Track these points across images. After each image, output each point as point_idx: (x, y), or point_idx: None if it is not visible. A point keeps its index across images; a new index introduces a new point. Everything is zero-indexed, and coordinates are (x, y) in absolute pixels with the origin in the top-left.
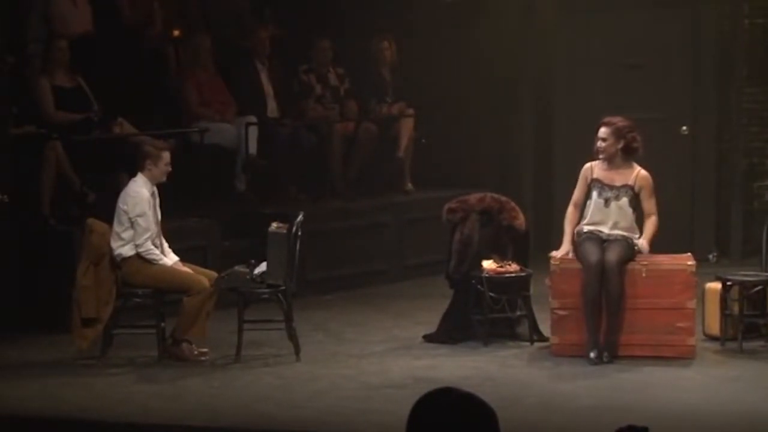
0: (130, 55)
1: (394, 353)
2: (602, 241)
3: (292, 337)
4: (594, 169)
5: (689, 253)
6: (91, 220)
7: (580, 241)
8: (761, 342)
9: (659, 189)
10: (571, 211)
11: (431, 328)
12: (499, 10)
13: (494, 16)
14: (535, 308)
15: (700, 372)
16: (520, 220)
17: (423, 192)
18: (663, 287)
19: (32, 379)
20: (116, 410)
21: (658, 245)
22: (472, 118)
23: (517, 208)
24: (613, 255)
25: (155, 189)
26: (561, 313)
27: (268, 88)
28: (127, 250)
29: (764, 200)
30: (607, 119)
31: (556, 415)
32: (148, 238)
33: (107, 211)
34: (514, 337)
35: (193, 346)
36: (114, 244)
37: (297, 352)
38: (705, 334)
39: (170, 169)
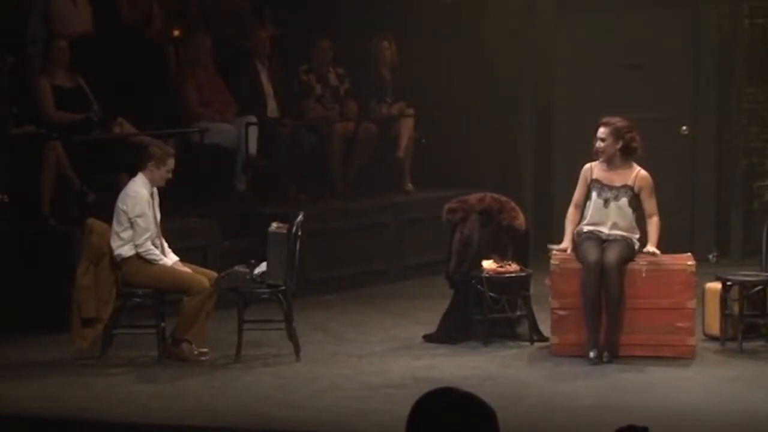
0: (130, 56)
1: (394, 353)
2: (602, 241)
3: (292, 337)
4: (593, 169)
5: (689, 253)
6: (91, 220)
7: (579, 241)
8: (761, 342)
9: (659, 189)
10: (571, 212)
11: (431, 328)
12: (499, 10)
13: (494, 16)
14: (535, 308)
15: (700, 372)
16: (520, 220)
17: (423, 192)
18: (663, 287)
19: (32, 379)
20: (116, 410)
21: (658, 245)
22: (472, 118)
23: (517, 208)
24: (612, 255)
25: (155, 189)
26: (561, 313)
27: (268, 88)
28: (127, 250)
29: (764, 200)
30: (605, 119)
31: (556, 415)
32: (148, 238)
33: (107, 211)
34: (514, 337)
35: (193, 346)
36: (113, 244)
37: (297, 352)
38: (705, 334)
39: (171, 176)
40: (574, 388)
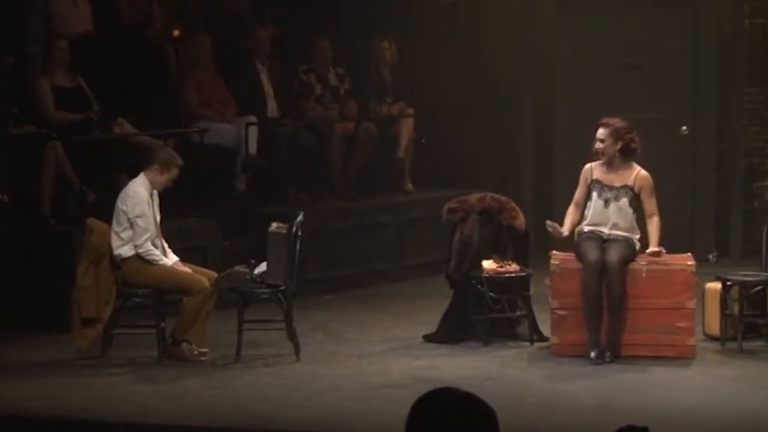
0: (130, 56)
1: (394, 353)
2: (602, 241)
3: (292, 337)
4: (594, 170)
5: (689, 253)
6: (91, 220)
7: (580, 241)
8: (761, 342)
9: (659, 189)
10: (571, 209)
11: (431, 328)
12: (499, 10)
13: (494, 16)
14: (535, 308)
15: (700, 372)
16: (520, 220)
17: (423, 192)
18: (663, 287)
19: (32, 379)
20: (116, 410)
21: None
22: (472, 118)
23: (517, 208)
24: (614, 255)
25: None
26: (561, 313)
27: (268, 88)
28: (127, 250)
29: (764, 200)
30: (604, 120)
31: (556, 415)
32: (148, 238)
33: (107, 211)
34: (514, 337)
35: (193, 346)
36: (113, 244)
37: (297, 352)
38: (705, 334)
39: (171, 185)
40: (574, 388)
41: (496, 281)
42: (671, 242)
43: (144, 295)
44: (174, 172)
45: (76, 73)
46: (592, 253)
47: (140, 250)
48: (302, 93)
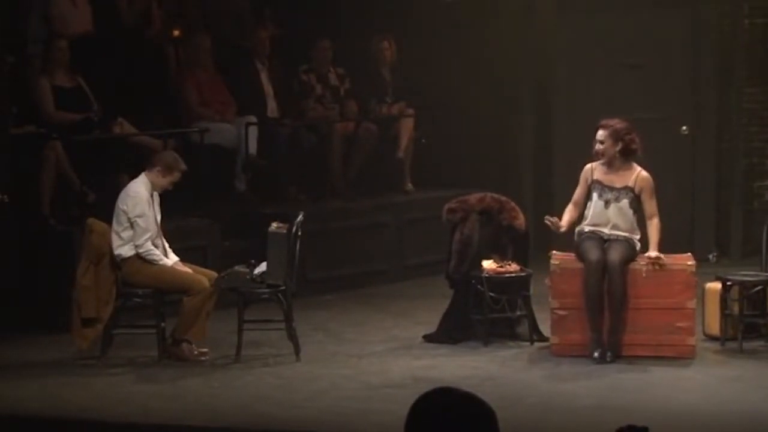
0: (130, 55)
1: (394, 353)
2: (603, 241)
3: (292, 337)
4: (594, 170)
5: (689, 253)
6: (91, 220)
7: (580, 240)
8: (761, 342)
9: (659, 189)
10: (570, 208)
11: (431, 328)
12: (499, 10)
13: (494, 16)
14: (535, 308)
15: (700, 372)
16: (520, 220)
17: (423, 192)
18: (663, 287)
19: (32, 379)
20: (116, 410)
21: (659, 247)
22: (472, 118)
23: (517, 208)
24: (615, 255)
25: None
26: (561, 313)
27: (268, 88)
28: (127, 250)
29: (764, 200)
30: (604, 122)
31: (556, 415)
32: (148, 238)
33: (107, 211)
34: (514, 337)
35: (193, 346)
36: (114, 243)
37: (297, 352)
38: (705, 334)
39: (171, 188)
40: (574, 388)
41: (496, 281)
42: (671, 242)
43: (144, 295)
44: (176, 176)
45: (76, 73)
46: (593, 253)
47: (140, 250)
48: (302, 93)
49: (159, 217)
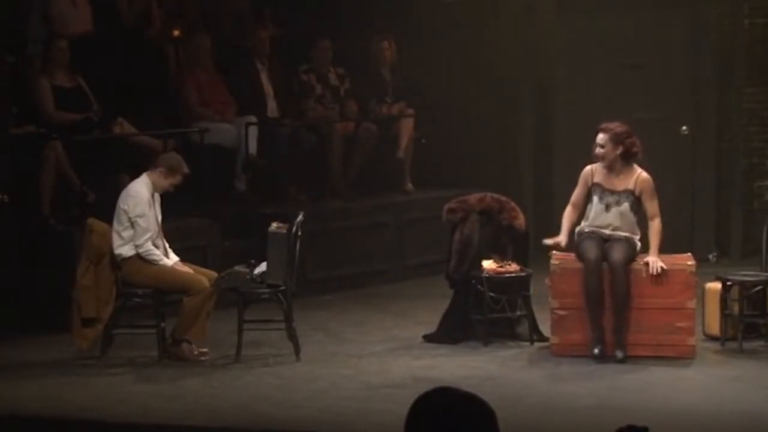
0: (130, 56)
1: (394, 353)
2: (603, 240)
3: (292, 337)
4: (594, 173)
5: (689, 253)
6: (91, 220)
7: (580, 240)
8: (761, 342)
9: (659, 189)
10: (569, 210)
11: (431, 328)
12: (499, 10)
13: (494, 16)
14: (535, 308)
15: (700, 372)
16: (520, 220)
17: (423, 192)
18: (663, 287)
19: (32, 379)
20: (116, 410)
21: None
22: (472, 118)
23: (517, 208)
24: (617, 254)
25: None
26: (561, 313)
27: (268, 88)
28: (127, 250)
29: (764, 200)
30: (604, 125)
31: (556, 415)
32: (149, 238)
33: (107, 211)
34: (514, 337)
35: (193, 346)
36: (114, 243)
37: (297, 352)
38: (705, 334)
39: (172, 189)
40: (574, 388)
41: (496, 281)
42: (671, 242)
43: (144, 295)
44: (178, 179)
45: (76, 73)
46: (592, 252)
47: (140, 250)
48: (302, 93)
49: (160, 218)
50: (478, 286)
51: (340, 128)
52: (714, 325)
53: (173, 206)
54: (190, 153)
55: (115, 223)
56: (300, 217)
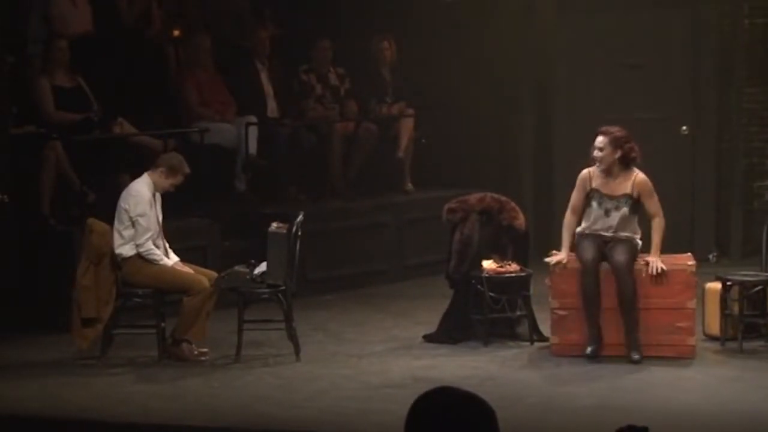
0: (130, 56)
1: (394, 353)
2: (603, 241)
3: (292, 337)
4: (592, 177)
5: (689, 253)
6: (91, 220)
7: (579, 240)
8: (761, 342)
9: (659, 189)
10: (569, 218)
11: (431, 328)
12: (499, 10)
13: (494, 16)
14: (535, 308)
15: (700, 372)
16: (520, 220)
17: (423, 192)
18: (663, 287)
19: (32, 379)
20: (116, 410)
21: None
22: (472, 118)
23: (517, 208)
24: (620, 256)
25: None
26: (561, 313)
27: (268, 88)
28: (128, 250)
29: (764, 200)
30: (603, 128)
31: (556, 415)
32: (149, 238)
33: (107, 211)
34: (514, 337)
35: (193, 346)
36: (115, 242)
37: (297, 352)
38: (705, 334)
39: (173, 189)
40: (574, 388)
41: (496, 281)
42: (671, 242)
43: (144, 295)
44: (179, 179)
45: (76, 73)
46: (589, 253)
47: (141, 249)
48: (302, 93)
49: (161, 218)
50: (478, 286)
51: (340, 128)
52: (714, 325)
53: (173, 206)
54: (190, 153)
55: (116, 222)
56: (300, 217)
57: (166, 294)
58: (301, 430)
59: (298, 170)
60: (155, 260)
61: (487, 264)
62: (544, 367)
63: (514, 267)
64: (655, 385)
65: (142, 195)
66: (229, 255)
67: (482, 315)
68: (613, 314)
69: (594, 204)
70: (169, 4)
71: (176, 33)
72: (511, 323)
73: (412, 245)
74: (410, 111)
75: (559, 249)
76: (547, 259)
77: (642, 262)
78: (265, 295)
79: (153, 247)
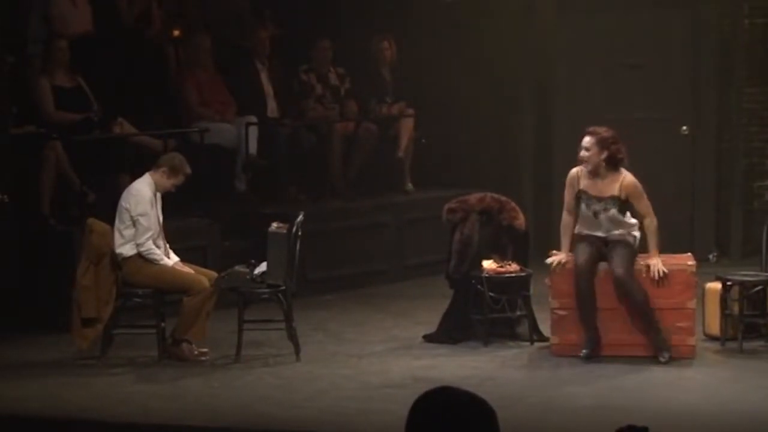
0: (130, 56)
1: (394, 353)
2: (599, 242)
3: (292, 337)
4: (580, 177)
5: (689, 253)
6: (91, 220)
7: (576, 242)
8: (761, 342)
9: (659, 189)
10: (566, 219)
11: (431, 328)
12: (499, 10)
13: (494, 16)
14: (535, 308)
15: (700, 372)
16: (520, 220)
17: (423, 192)
18: (663, 287)
19: (32, 379)
20: (116, 410)
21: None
22: (472, 118)
23: (517, 208)
24: (619, 266)
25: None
26: (561, 313)
27: (268, 88)
28: (128, 249)
29: (764, 200)
30: (591, 128)
31: (556, 415)
32: (149, 237)
33: (107, 211)
34: (514, 337)
35: (193, 346)
36: (116, 242)
37: (297, 352)
38: (705, 334)
39: (174, 190)
40: (574, 388)
41: (496, 281)
42: (671, 242)
43: (144, 295)
44: (180, 179)
45: (76, 73)
46: (582, 254)
47: (141, 249)
48: (302, 93)
49: (161, 218)
50: (478, 286)
51: (340, 128)
52: (714, 325)
53: (173, 206)
54: (190, 153)
55: (116, 221)
56: (300, 217)
57: (166, 294)
58: (301, 430)
59: (298, 170)
60: (155, 260)
61: (487, 264)
62: (544, 367)
63: (514, 267)
64: (655, 385)
65: (143, 194)
66: (229, 255)
67: (482, 315)
68: (611, 314)
69: (583, 206)
70: (169, 4)
71: (176, 33)
72: (511, 323)
73: (412, 245)
74: (410, 111)
75: (558, 249)
76: (548, 261)
77: (642, 264)
78: (265, 295)
79: (153, 246)
